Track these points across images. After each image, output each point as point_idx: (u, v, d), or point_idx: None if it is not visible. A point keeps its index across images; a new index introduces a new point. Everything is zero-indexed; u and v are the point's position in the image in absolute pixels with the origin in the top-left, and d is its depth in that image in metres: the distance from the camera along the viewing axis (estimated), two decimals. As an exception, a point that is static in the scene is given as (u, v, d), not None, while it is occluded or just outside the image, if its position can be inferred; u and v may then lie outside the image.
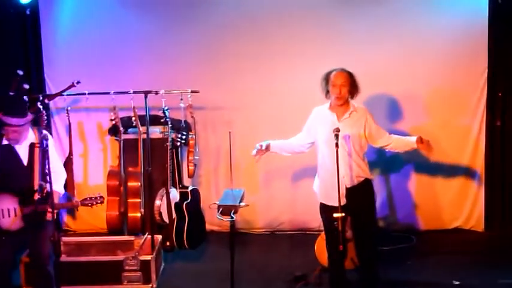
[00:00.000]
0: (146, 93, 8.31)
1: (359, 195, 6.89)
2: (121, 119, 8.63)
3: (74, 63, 9.34)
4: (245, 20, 9.23)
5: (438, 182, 9.36)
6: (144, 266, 7.61)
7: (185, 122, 8.78)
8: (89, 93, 8.65)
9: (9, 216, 6.67)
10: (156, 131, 8.88)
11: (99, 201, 7.03)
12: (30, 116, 6.74)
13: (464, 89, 9.19)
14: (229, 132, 7.12)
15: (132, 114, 8.51)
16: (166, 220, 8.69)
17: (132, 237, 8.36)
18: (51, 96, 8.76)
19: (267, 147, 7.19)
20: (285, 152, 7.39)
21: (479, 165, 9.32)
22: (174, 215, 8.71)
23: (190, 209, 8.83)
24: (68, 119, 8.75)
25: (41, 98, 8.35)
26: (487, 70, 9.09)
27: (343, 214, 6.56)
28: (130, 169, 8.76)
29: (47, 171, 6.62)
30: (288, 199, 9.36)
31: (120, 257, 7.72)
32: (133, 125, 8.59)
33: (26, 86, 8.29)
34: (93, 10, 9.33)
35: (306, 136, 7.17)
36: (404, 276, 7.99)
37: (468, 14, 9.01)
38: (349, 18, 9.13)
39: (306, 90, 9.00)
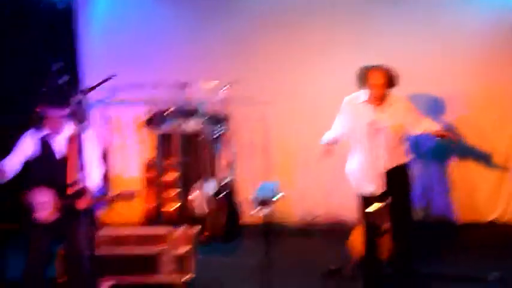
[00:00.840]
0: (182, 86, 8.33)
1: (396, 181, 6.85)
2: (157, 111, 8.67)
3: (110, 56, 9.40)
4: (280, 12, 9.24)
5: (475, 174, 9.31)
6: (180, 258, 7.63)
7: (221, 114, 8.80)
8: (125, 86, 8.70)
9: (45, 208, 6.72)
10: (192, 124, 8.91)
11: (132, 198, 7.05)
12: (70, 107, 6.78)
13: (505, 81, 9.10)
14: (265, 125, 7.12)
15: (168, 106, 8.53)
16: (202, 212, 8.72)
17: (168, 230, 8.38)
18: (88, 90, 8.82)
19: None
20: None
21: (517, 158, 9.26)
22: (210, 208, 8.74)
23: (226, 202, 8.86)
24: (105, 112, 8.81)
25: (77, 92, 8.41)
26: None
27: (380, 205, 6.53)
28: (166, 162, 8.79)
29: (84, 164, 6.73)
30: (323, 192, 9.35)
31: (156, 249, 7.75)
32: (170, 117, 8.62)
33: (63, 79, 8.37)
34: (128, 3, 9.39)
35: (340, 129, 7.13)
36: (440, 268, 7.94)
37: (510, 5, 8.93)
38: (385, 9, 9.08)
39: (341, 82, 8.93)
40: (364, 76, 6.77)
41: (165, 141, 8.86)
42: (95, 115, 9.53)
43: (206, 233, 8.75)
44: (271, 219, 8.08)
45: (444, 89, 9.13)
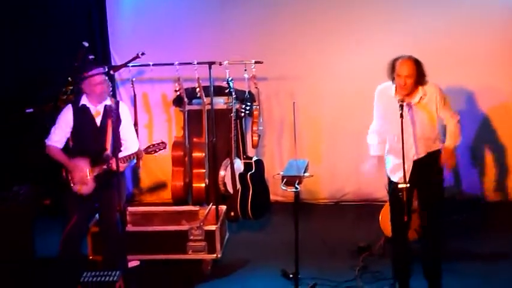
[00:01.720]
0: (210, 64, 8.31)
1: (427, 165, 6.79)
2: (185, 89, 8.66)
3: (139, 34, 9.40)
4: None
5: (505, 151, 9.21)
6: (209, 236, 7.65)
7: (249, 92, 8.77)
8: (153, 65, 8.70)
9: (84, 180, 6.81)
10: (220, 102, 8.90)
11: (162, 147, 7.11)
12: (106, 69, 7.00)
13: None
14: (294, 103, 7.08)
15: (196, 85, 8.52)
16: (231, 190, 8.72)
17: (196, 208, 8.41)
18: (117, 68, 8.83)
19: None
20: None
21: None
22: (238, 186, 8.73)
23: (255, 180, 8.84)
24: (133, 90, 8.82)
25: (106, 69, 8.43)
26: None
27: (408, 185, 6.48)
28: (194, 140, 8.78)
29: (122, 133, 6.96)
30: (352, 169, 9.27)
31: (185, 227, 7.78)
32: (198, 95, 8.61)
33: (91, 57, 8.40)
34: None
35: (378, 123, 6.97)
36: (469, 247, 7.91)
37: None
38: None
39: (370, 60, 8.93)
40: (393, 65, 6.64)
41: (193, 119, 8.84)
42: (122, 93, 9.57)
43: (234, 211, 8.75)
44: (300, 197, 8.10)
45: (470, 62, 9.02)
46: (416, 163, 6.72)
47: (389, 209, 7.02)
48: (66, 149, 7.00)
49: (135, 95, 8.84)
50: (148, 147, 7.10)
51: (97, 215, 7.28)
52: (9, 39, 9.08)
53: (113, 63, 9.33)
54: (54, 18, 9.17)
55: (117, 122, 6.88)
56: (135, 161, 7.11)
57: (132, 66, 8.75)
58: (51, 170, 7.21)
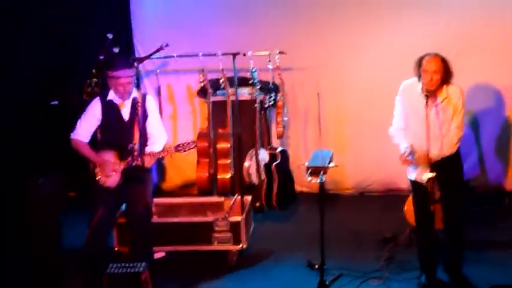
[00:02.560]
0: (234, 55, 8.30)
1: (447, 166, 6.75)
2: (209, 80, 8.67)
3: (162, 26, 9.41)
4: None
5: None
6: (234, 227, 7.65)
7: (273, 83, 8.77)
8: (177, 56, 8.73)
9: (111, 174, 6.84)
10: (244, 93, 8.89)
11: (192, 146, 7.08)
12: (136, 68, 6.96)
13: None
14: (318, 94, 7.08)
15: (220, 76, 8.53)
16: (256, 181, 8.73)
17: (222, 199, 8.41)
18: (141, 59, 8.86)
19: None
20: None
21: None
22: (263, 176, 8.74)
23: (280, 170, 8.85)
24: (158, 81, 8.85)
25: (134, 72, 8.46)
26: None
27: (434, 174, 6.45)
28: (219, 131, 8.80)
29: (149, 127, 6.95)
30: (377, 160, 9.26)
31: (210, 218, 7.78)
32: (222, 87, 8.62)
33: (116, 50, 8.43)
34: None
35: (402, 116, 6.89)
36: (494, 237, 7.87)
37: None
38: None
39: (394, 51, 8.91)
40: (419, 62, 6.61)
41: (217, 110, 8.86)
42: (147, 85, 9.59)
43: (260, 202, 8.76)
44: (325, 187, 8.09)
45: (498, 57, 8.94)
46: (435, 164, 6.69)
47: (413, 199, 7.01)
48: (93, 142, 7.02)
49: (159, 87, 8.89)
50: (178, 145, 7.08)
51: (123, 207, 7.31)
52: (34, 31, 9.11)
53: (136, 55, 9.35)
54: (77, 9, 9.18)
55: (144, 116, 6.90)
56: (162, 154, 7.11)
57: (156, 57, 8.78)
58: (78, 163, 7.24)
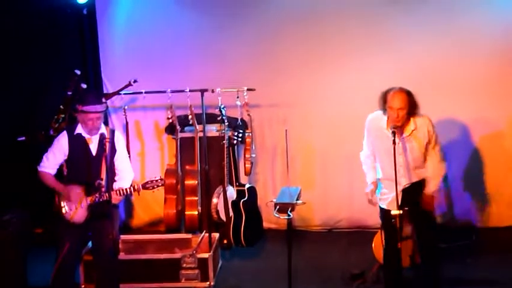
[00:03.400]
0: (202, 91, 8.33)
1: (418, 191, 6.81)
2: (178, 117, 8.67)
3: (131, 62, 9.41)
4: (299, 18, 9.18)
5: (497, 177, 9.20)
6: (202, 263, 7.62)
7: (241, 120, 8.78)
8: (145, 92, 8.73)
9: (75, 208, 6.80)
10: (212, 129, 8.90)
11: (160, 184, 7.09)
12: (105, 104, 6.97)
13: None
14: (286, 130, 7.09)
15: (188, 112, 8.53)
16: (224, 218, 8.71)
17: (189, 235, 8.39)
18: (109, 95, 8.86)
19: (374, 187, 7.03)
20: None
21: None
22: (231, 213, 8.72)
23: (247, 207, 8.84)
24: (125, 117, 8.84)
25: (103, 108, 8.44)
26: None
27: (401, 212, 6.48)
28: (187, 167, 8.78)
29: (117, 163, 7.00)
30: (345, 196, 9.29)
31: (177, 255, 7.75)
32: (190, 123, 8.62)
33: (84, 85, 8.42)
34: (149, 9, 9.39)
35: (370, 147, 6.99)
36: (464, 274, 7.88)
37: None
38: (400, 15, 9.01)
39: (360, 88, 8.97)
40: (384, 97, 6.65)
41: (185, 146, 8.84)
42: (115, 121, 9.55)
43: (227, 239, 8.73)
44: (293, 224, 8.08)
45: (462, 92, 9.04)
46: (405, 190, 6.74)
47: (382, 235, 7.02)
48: (59, 177, 6.99)
49: (127, 123, 8.85)
50: (147, 183, 7.08)
51: (90, 243, 7.25)
52: (0, 67, 9.07)
53: (105, 91, 9.34)
54: (45, 46, 9.17)
55: (112, 151, 6.89)
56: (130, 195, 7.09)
57: (124, 93, 8.78)
58: (44, 199, 7.19)
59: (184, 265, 7.62)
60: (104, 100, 7.05)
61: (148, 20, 9.40)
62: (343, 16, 9.11)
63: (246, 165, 8.84)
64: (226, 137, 8.63)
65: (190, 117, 8.53)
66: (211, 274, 7.64)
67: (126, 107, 8.84)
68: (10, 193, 8.78)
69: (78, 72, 8.34)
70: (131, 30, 9.44)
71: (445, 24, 8.93)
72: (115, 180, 6.95)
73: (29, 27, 9.05)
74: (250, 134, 8.83)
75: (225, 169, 8.66)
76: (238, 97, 8.59)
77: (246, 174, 8.92)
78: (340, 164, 9.24)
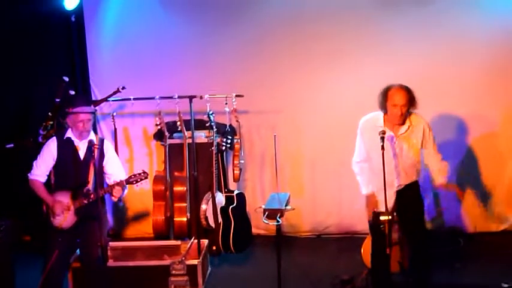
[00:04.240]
0: (191, 97, 8.32)
1: (408, 196, 6.82)
2: (166, 123, 8.66)
3: (119, 69, 9.41)
4: (288, 23, 9.20)
5: (485, 183, 9.23)
6: (191, 270, 7.61)
7: (230, 126, 8.78)
8: (134, 99, 8.71)
9: (64, 214, 6.80)
10: (201, 136, 8.89)
11: (143, 177, 7.09)
12: (94, 108, 7.02)
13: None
14: (274, 136, 7.10)
15: (177, 119, 8.52)
16: (212, 224, 8.70)
17: (178, 242, 8.37)
18: (97, 102, 8.84)
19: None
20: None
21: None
22: (220, 219, 8.71)
23: (236, 213, 8.83)
24: (114, 124, 8.82)
25: (94, 110, 8.43)
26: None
27: (390, 217, 6.48)
28: (176, 174, 8.77)
29: (107, 168, 7.04)
30: (334, 202, 9.30)
31: (166, 261, 7.74)
32: (179, 129, 8.61)
33: (72, 92, 8.41)
34: (137, 16, 9.39)
35: (364, 151, 7.00)
36: (453, 279, 7.89)
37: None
38: (392, 18, 9.03)
39: (350, 91, 8.98)
40: (385, 94, 6.65)
41: (174, 153, 8.84)
42: (103, 128, 9.54)
43: (216, 245, 8.72)
44: (282, 230, 8.07)
45: (454, 94, 9.07)
46: (399, 192, 6.75)
47: (371, 240, 7.03)
48: (47, 184, 6.99)
49: (115, 130, 8.84)
50: (130, 177, 7.08)
51: (78, 250, 7.24)
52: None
53: (93, 98, 9.33)
54: (34, 52, 9.16)
55: (101, 157, 6.90)
56: (126, 190, 7.07)
57: (112, 100, 8.77)
58: (32, 206, 7.18)
59: (173, 272, 7.60)
60: (92, 106, 7.09)
61: (137, 27, 9.39)
62: (332, 22, 9.12)
63: (235, 172, 8.84)
64: (215, 143, 8.62)
65: (178, 123, 8.53)
66: (200, 281, 7.64)
67: (114, 114, 8.83)
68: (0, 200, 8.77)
69: (66, 79, 8.33)
70: (119, 37, 9.44)
71: (436, 26, 8.95)
72: (103, 186, 6.96)
73: (17, 34, 9.03)
74: (239, 140, 8.82)
75: (214, 175, 8.65)
76: (226, 103, 8.59)
77: (234, 180, 8.91)
78: (329, 169, 9.25)
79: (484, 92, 9.02)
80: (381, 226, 6.46)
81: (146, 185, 9.35)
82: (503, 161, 9.19)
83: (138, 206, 9.66)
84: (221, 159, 8.92)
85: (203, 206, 8.72)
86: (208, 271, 8.16)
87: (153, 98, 8.63)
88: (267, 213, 6.48)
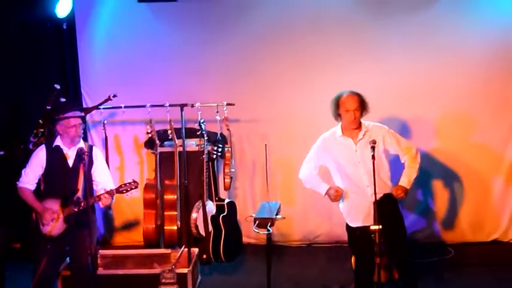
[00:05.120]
0: (182, 106, 8.32)
1: (386, 209, 6.83)
2: (157, 132, 8.65)
3: (110, 76, 9.41)
4: (280, 33, 9.23)
5: (476, 194, 9.24)
6: (181, 279, 7.59)
7: (221, 134, 8.78)
8: (125, 107, 8.71)
9: (53, 222, 6.79)
10: (192, 144, 8.88)
11: (133, 186, 7.10)
12: (84, 113, 7.03)
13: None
14: (265, 145, 7.11)
15: (168, 127, 8.52)
16: (203, 233, 8.68)
17: (168, 250, 8.35)
18: (88, 110, 8.83)
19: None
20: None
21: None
22: (210, 228, 8.70)
23: (227, 222, 8.82)
24: (105, 132, 8.82)
25: (83, 114, 8.43)
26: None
27: (380, 226, 6.48)
28: (166, 182, 8.76)
29: (96, 176, 7.02)
30: (325, 211, 9.28)
31: (156, 270, 7.72)
32: (170, 137, 8.60)
33: (63, 100, 8.40)
34: (128, 24, 9.40)
35: (316, 165, 7.27)
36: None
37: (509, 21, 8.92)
38: (385, 27, 9.07)
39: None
40: (337, 102, 6.84)
41: (165, 161, 8.83)
42: (94, 135, 9.53)
43: (207, 254, 8.71)
44: (273, 239, 8.07)
45: (443, 108, 9.10)
46: (378, 203, 6.76)
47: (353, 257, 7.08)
48: (37, 192, 6.97)
49: (106, 137, 8.84)
50: (120, 186, 7.08)
51: (68, 258, 7.22)
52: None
53: (84, 106, 9.31)
54: (25, 60, 9.15)
55: (89, 165, 6.89)
56: (114, 198, 7.07)
57: (103, 108, 8.76)
58: (22, 214, 7.16)
59: (163, 280, 7.58)
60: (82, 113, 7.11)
61: (128, 35, 9.40)
62: (323, 32, 9.15)
63: (226, 180, 8.83)
64: (205, 152, 8.62)
65: (169, 131, 8.52)
66: (190, 289, 7.63)
67: (105, 122, 8.83)
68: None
69: (57, 86, 8.33)
70: (111, 45, 9.44)
71: (429, 34, 9.00)
72: (93, 194, 6.95)
73: (8, 41, 9.02)
74: (230, 149, 8.82)
75: (205, 184, 8.65)
76: (217, 112, 8.59)
77: (225, 189, 8.91)
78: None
79: (474, 103, 9.06)
80: (372, 236, 6.46)
81: (137, 193, 9.39)
82: (495, 168, 9.20)
83: (129, 214, 9.65)
84: (212, 168, 8.93)
85: (194, 215, 8.71)
86: (199, 280, 8.15)
87: (144, 106, 8.63)
88: (257, 222, 6.49)
